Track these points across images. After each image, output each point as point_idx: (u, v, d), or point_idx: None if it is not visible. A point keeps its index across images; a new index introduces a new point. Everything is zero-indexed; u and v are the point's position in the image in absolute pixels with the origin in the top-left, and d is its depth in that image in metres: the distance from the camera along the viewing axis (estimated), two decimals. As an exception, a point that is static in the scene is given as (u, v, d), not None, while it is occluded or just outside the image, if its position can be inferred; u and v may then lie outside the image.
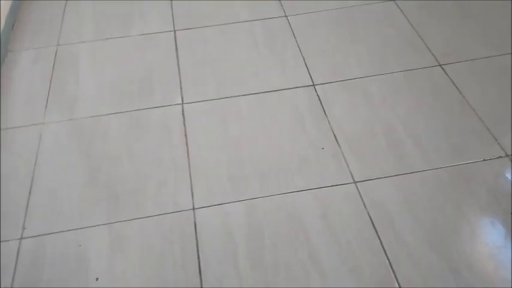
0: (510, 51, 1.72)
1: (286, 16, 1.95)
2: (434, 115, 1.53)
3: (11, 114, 1.61)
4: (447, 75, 1.66)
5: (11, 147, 1.51)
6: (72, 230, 1.30)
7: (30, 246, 1.28)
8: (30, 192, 1.39)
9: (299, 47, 1.80)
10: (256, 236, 1.26)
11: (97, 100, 1.65)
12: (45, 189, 1.40)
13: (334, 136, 1.49)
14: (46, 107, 1.63)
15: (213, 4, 2.03)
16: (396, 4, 1.97)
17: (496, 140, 1.44)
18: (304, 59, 1.76)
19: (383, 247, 1.22)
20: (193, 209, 1.33)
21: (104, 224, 1.31)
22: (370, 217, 1.28)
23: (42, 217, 1.33)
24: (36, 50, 1.85)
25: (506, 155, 1.40)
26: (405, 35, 1.82)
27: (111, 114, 1.60)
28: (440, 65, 1.69)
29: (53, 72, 1.75)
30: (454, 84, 1.62)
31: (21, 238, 1.29)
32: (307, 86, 1.66)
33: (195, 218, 1.31)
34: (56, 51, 1.84)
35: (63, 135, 1.54)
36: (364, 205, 1.31)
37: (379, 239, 1.24)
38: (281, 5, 2.00)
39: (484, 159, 1.39)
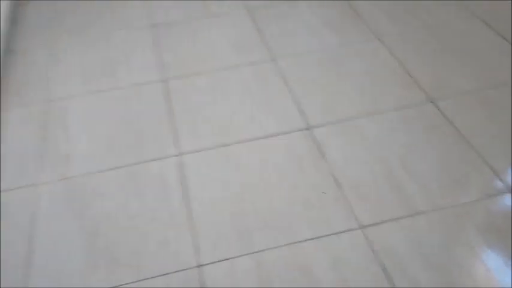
0: (495, 83, 1.75)
1: (274, 59, 1.96)
2: (432, 152, 1.53)
3: (3, 177, 1.56)
4: (439, 110, 1.67)
5: (5, 214, 1.45)
6: (73, 298, 1.25)
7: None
8: (29, 266, 1.33)
9: (291, 90, 1.81)
10: (267, 291, 1.23)
11: (91, 157, 1.61)
12: (45, 263, 1.33)
13: (335, 180, 1.48)
14: (42, 166, 1.59)
15: (201, 51, 2.04)
16: (381, 42, 2.00)
17: (497, 175, 1.44)
18: (297, 101, 1.76)
19: (398, 295, 1.20)
20: (199, 266, 1.29)
21: (106, 290, 1.26)
22: (381, 264, 1.26)
23: None
24: (26, 108, 1.82)
25: (509, 190, 1.40)
26: (394, 73, 1.85)
27: (106, 170, 1.56)
28: (431, 101, 1.71)
29: (44, 130, 1.71)
30: (448, 119, 1.64)
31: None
32: (303, 129, 1.65)
33: (201, 276, 1.27)
34: (46, 107, 1.81)
35: (59, 198, 1.49)
36: (374, 252, 1.29)
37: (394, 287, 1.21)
38: (267, 48, 2.02)
39: (488, 196, 1.39)
